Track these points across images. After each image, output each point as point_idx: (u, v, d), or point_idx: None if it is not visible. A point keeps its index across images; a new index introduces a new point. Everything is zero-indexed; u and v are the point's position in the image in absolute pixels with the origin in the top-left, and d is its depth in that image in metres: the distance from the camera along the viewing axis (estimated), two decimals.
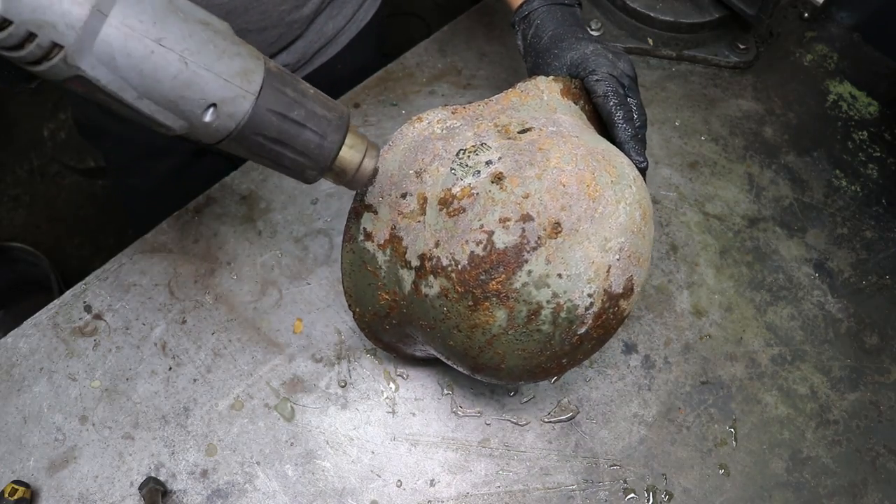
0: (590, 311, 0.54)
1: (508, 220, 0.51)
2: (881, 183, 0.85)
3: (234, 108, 0.42)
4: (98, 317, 0.72)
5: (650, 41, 0.92)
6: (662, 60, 0.93)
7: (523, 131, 0.55)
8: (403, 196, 0.55)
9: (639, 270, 0.56)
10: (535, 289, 0.51)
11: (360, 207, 0.58)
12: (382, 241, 0.57)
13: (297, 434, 0.67)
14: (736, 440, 0.69)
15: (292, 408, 0.68)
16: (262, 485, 0.65)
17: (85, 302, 0.72)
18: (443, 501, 0.65)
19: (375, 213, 0.57)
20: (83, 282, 0.74)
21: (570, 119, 0.59)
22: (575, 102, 0.62)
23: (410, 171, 0.55)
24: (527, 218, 0.51)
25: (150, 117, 0.41)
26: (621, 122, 0.60)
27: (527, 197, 0.51)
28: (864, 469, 0.68)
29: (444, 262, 0.53)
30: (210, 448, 0.66)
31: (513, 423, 0.69)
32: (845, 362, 0.74)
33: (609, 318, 0.56)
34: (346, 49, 0.93)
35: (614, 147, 0.59)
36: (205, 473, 0.65)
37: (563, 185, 0.51)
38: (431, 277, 0.53)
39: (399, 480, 0.66)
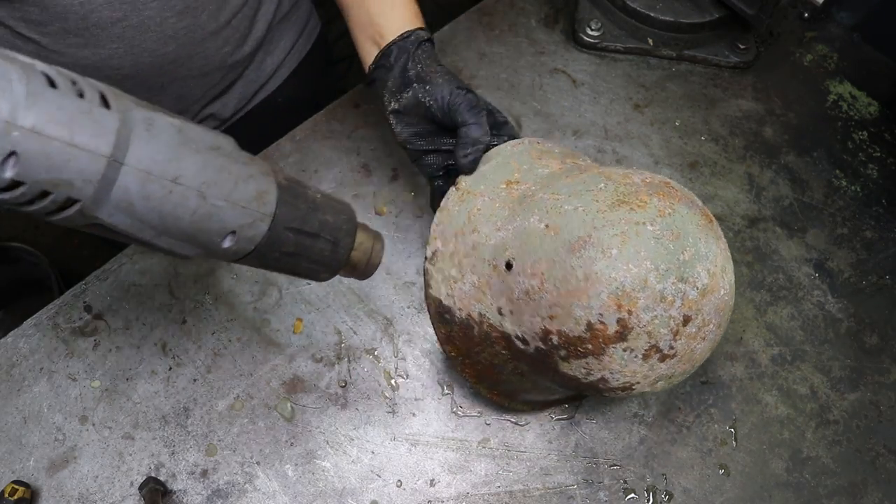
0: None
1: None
2: (881, 183, 0.85)
3: (252, 232, 0.42)
4: (98, 317, 0.72)
5: (650, 41, 0.92)
6: (662, 60, 0.93)
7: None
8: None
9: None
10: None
11: None
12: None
13: (297, 434, 0.67)
14: (736, 440, 0.69)
15: (292, 408, 0.68)
16: (262, 485, 0.65)
17: (85, 302, 0.72)
18: (443, 501, 0.65)
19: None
20: (83, 282, 0.74)
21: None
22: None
23: None
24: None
25: (168, 251, 0.40)
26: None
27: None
28: (864, 469, 0.68)
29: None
30: (210, 448, 0.66)
31: (513, 423, 0.69)
32: (845, 362, 0.74)
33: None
34: (287, 82, 0.92)
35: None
36: (205, 473, 0.65)
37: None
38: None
39: (399, 480, 0.66)
